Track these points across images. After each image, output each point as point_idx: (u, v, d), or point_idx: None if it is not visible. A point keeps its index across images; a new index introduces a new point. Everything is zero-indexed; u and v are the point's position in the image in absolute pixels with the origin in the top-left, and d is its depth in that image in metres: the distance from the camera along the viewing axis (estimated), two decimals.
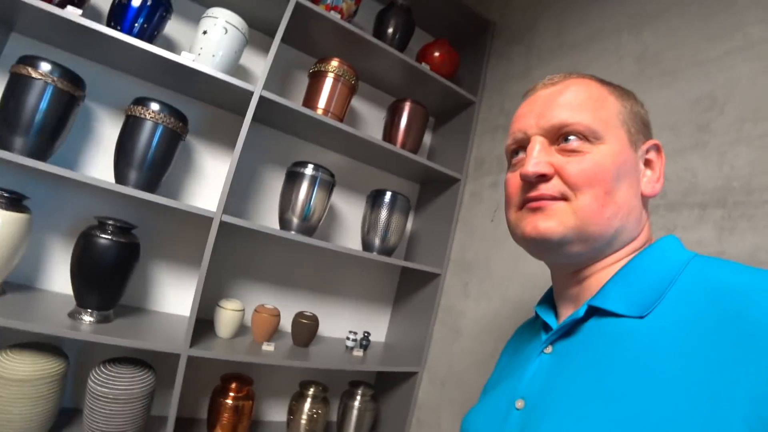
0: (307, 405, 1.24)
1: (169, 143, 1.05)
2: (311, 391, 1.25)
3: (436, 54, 1.42)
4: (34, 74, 0.88)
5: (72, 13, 0.89)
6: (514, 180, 0.48)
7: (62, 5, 0.91)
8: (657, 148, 0.47)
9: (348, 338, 1.37)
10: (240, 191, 1.32)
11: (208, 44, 1.05)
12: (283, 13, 1.10)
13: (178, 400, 0.98)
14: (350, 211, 1.53)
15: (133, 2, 0.98)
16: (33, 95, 0.89)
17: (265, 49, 1.10)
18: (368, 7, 1.48)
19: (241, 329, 1.22)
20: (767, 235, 0.67)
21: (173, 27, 1.19)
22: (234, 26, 1.07)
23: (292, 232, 1.18)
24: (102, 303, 0.99)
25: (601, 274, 0.45)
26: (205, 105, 1.26)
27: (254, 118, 1.13)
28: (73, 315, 0.96)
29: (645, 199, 0.47)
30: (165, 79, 1.14)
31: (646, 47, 0.94)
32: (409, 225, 1.64)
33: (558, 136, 0.45)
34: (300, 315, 1.27)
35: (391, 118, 1.40)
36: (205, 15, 1.07)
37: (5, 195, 0.90)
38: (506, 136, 0.53)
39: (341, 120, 1.26)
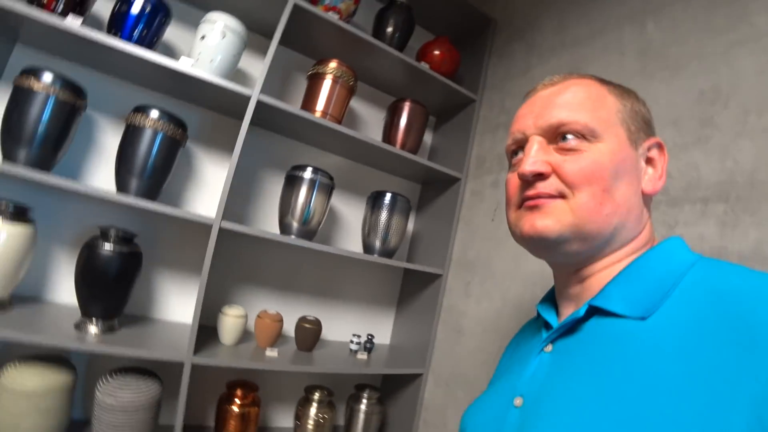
0: (313, 410, 1.23)
1: (169, 150, 1.05)
2: (317, 396, 1.25)
3: (437, 52, 1.41)
4: (36, 86, 0.88)
5: (73, 23, 0.89)
6: (514, 180, 0.49)
7: (63, 15, 0.91)
8: (659, 146, 0.47)
9: (352, 341, 1.36)
10: (240, 196, 1.32)
11: (206, 49, 1.05)
12: (280, 15, 1.10)
13: (185, 408, 0.98)
14: (351, 213, 1.53)
15: (133, 9, 0.98)
16: (35, 107, 0.89)
17: (264, 52, 1.10)
18: (368, 5, 1.47)
19: (245, 335, 1.22)
20: None
21: (173, 32, 1.19)
22: (232, 30, 1.07)
23: (292, 237, 1.17)
24: (107, 313, 0.99)
25: (603, 273, 0.45)
26: (204, 110, 1.26)
27: (253, 122, 1.13)
28: (79, 326, 0.96)
29: (646, 198, 0.47)
30: (164, 85, 1.14)
31: (649, 42, 0.93)
32: (410, 226, 1.64)
33: (556, 135, 0.45)
34: (303, 319, 1.27)
35: (391, 119, 1.39)
36: (203, 20, 1.07)
37: (10, 207, 0.90)
38: (507, 136, 0.53)
39: (340, 122, 1.26)
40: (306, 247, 1.15)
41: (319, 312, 1.44)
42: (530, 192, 0.45)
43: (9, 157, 0.89)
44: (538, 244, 0.46)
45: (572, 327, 0.45)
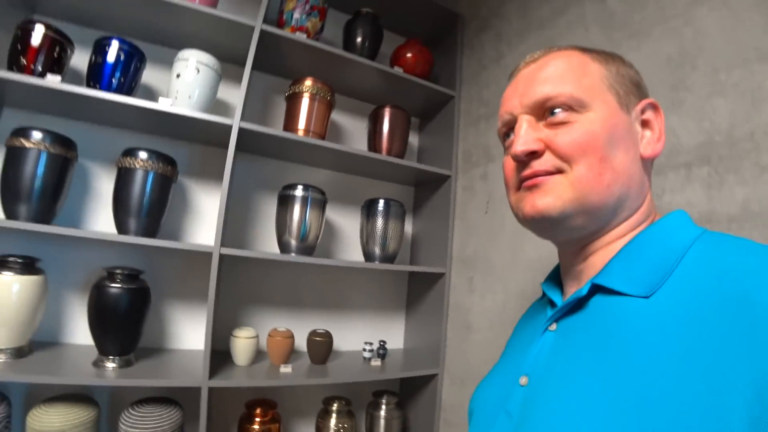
0: (333, 421, 1.25)
1: (162, 187, 1.09)
2: (335, 407, 1.26)
3: (409, 55, 1.42)
4: (27, 144, 0.94)
5: (53, 81, 0.95)
6: (509, 162, 0.48)
7: (42, 75, 0.97)
8: (653, 107, 0.46)
9: (364, 349, 1.38)
10: (237, 221, 1.36)
11: (184, 86, 1.09)
12: (249, 42, 1.14)
13: (206, 431, 1.01)
14: (347, 223, 1.55)
15: (108, 59, 1.03)
16: (29, 164, 0.95)
17: (240, 80, 1.13)
18: (334, 19, 1.49)
19: (258, 355, 1.25)
20: (757, 186, 0.64)
21: (150, 74, 1.24)
22: (205, 65, 1.11)
23: (293, 254, 1.20)
24: (122, 349, 1.04)
25: (606, 250, 0.44)
26: (191, 144, 1.31)
27: (239, 149, 1.16)
28: (97, 363, 1.01)
29: (646, 163, 0.45)
30: (149, 126, 1.19)
31: (611, 14, 0.92)
32: (409, 229, 1.64)
33: (543, 111, 0.44)
34: (313, 333, 1.29)
35: (374, 126, 1.41)
36: (176, 58, 1.11)
37: (19, 261, 0.96)
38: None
39: (323, 137, 1.28)
40: (307, 262, 1.18)
41: (329, 324, 1.46)
42: (526, 172, 0.44)
43: (11, 214, 0.95)
44: (541, 224, 0.45)
45: (575, 305, 0.44)
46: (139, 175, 1.05)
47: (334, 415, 1.25)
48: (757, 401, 0.26)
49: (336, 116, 1.53)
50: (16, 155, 0.94)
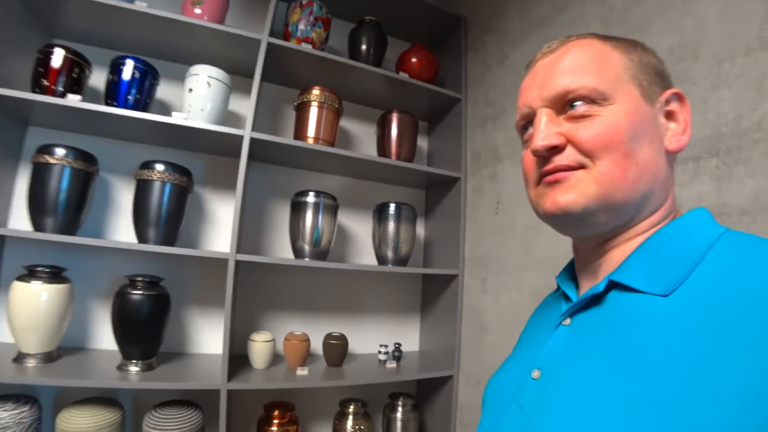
0: (349, 423, 1.26)
1: (179, 197, 1.14)
2: (351, 409, 1.27)
3: (414, 60, 1.44)
4: (51, 160, 1.00)
5: (73, 100, 1.00)
6: (528, 157, 0.46)
7: (63, 95, 1.03)
8: (678, 97, 0.43)
9: (380, 352, 1.39)
10: (252, 228, 1.39)
11: (196, 100, 1.14)
12: (257, 55, 1.18)
13: None
14: (360, 228, 1.57)
15: (124, 77, 1.09)
16: (54, 178, 1.00)
17: (250, 92, 1.18)
18: (339, 28, 1.53)
19: (275, 358, 1.27)
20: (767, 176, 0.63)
21: (164, 89, 1.29)
22: (216, 79, 1.16)
23: (306, 259, 1.23)
24: (145, 353, 1.08)
25: (626, 246, 0.43)
26: (205, 155, 1.35)
27: (251, 158, 1.20)
28: (121, 367, 1.05)
29: (670, 157, 0.43)
30: (165, 139, 1.24)
31: (611, 9, 0.92)
32: (421, 231, 1.65)
33: (564, 104, 0.42)
34: (329, 336, 1.31)
35: (382, 132, 1.43)
36: (187, 74, 1.16)
37: (47, 270, 1.01)
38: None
39: (332, 144, 1.31)
40: (321, 267, 1.20)
41: (344, 327, 1.48)
42: (548, 167, 0.42)
43: (38, 226, 1.00)
44: (563, 221, 0.43)
45: (591, 301, 0.43)
46: (156, 187, 1.09)
47: (350, 417, 1.26)
48: None
49: (345, 123, 1.56)
50: (41, 171, 1.00)
